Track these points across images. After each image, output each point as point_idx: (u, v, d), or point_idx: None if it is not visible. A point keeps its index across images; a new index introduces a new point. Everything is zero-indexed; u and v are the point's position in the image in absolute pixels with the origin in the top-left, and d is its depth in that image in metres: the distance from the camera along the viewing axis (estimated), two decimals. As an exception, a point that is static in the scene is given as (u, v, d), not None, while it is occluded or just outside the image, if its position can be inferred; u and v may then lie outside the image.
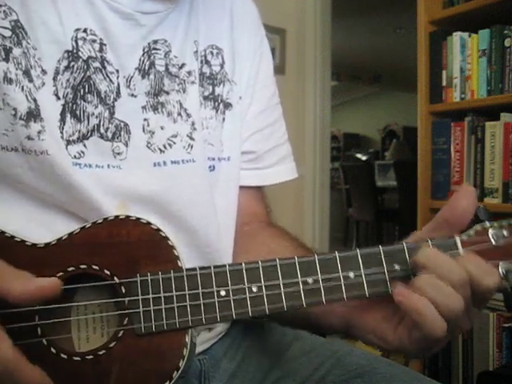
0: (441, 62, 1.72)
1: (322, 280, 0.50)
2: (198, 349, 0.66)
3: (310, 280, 0.50)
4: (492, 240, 0.51)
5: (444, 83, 1.71)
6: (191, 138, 0.64)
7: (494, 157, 1.58)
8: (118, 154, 0.60)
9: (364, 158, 7.42)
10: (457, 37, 1.67)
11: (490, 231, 0.52)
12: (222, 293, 0.50)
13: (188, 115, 0.64)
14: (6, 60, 0.55)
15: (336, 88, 6.53)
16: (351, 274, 0.51)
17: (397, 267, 0.51)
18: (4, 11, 0.55)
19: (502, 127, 1.56)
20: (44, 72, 0.57)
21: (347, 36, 5.42)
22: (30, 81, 0.56)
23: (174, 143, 0.63)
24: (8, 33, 0.55)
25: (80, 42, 0.58)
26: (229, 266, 0.51)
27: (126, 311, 0.49)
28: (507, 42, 1.56)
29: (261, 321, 0.78)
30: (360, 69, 7.28)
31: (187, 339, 0.49)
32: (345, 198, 5.61)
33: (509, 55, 1.56)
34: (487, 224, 0.52)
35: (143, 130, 0.61)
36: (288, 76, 2.49)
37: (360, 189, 5.10)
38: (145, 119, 0.62)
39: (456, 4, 1.70)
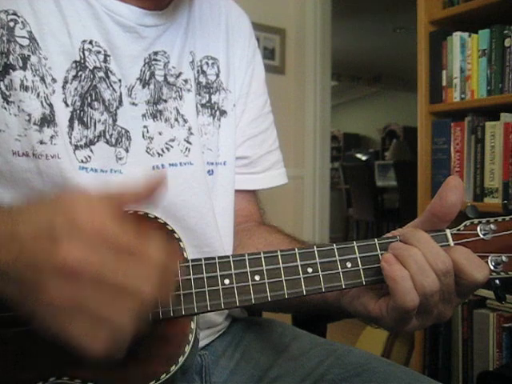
0: (441, 62, 1.72)
1: (321, 269, 0.53)
2: (200, 344, 0.67)
3: (309, 269, 0.53)
4: (480, 234, 0.55)
5: (444, 83, 1.71)
6: (188, 142, 0.67)
7: (494, 157, 1.58)
8: (120, 158, 0.63)
9: (364, 158, 7.42)
10: (457, 37, 1.67)
11: (479, 226, 0.55)
12: (226, 281, 0.51)
13: (185, 120, 0.68)
14: (24, 68, 0.58)
15: (336, 88, 6.53)
16: (349, 264, 0.53)
17: None
18: (22, 22, 0.58)
19: (502, 127, 1.56)
20: (54, 80, 0.59)
21: (347, 36, 5.42)
22: (47, 87, 0.59)
23: (172, 147, 0.66)
24: (26, 41, 0.58)
25: (86, 53, 0.61)
26: (232, 256, 0.53)
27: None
28: (507, 42, 1.56)
29: (260, 318, 0.78)
30: (360, 69, 7.28)
31: (193, 326, 0.51)
32: (345, 198, 5.61)
33: (509, 55, 1.56)
34: (476, 220, 0.55)
35: (143, 137, 0.64)
36: (288, 76, 2.49)
37: (360, 189, 5.10)
38: (144, 126, 0.65)
39: (456, 4, 1.69)
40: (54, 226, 0.40)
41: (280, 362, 0.67)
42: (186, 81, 0.69)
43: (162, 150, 0.65)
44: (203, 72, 0.72)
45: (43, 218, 0.41)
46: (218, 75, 0.73)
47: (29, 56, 0.58)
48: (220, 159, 0.72)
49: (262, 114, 0.81)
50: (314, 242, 0.74)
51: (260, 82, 0.82)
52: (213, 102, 0.72)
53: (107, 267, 0.39)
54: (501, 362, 1.51)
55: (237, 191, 0.77)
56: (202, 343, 0.68)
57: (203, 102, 0.71)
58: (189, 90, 0.69)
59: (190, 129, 0.68)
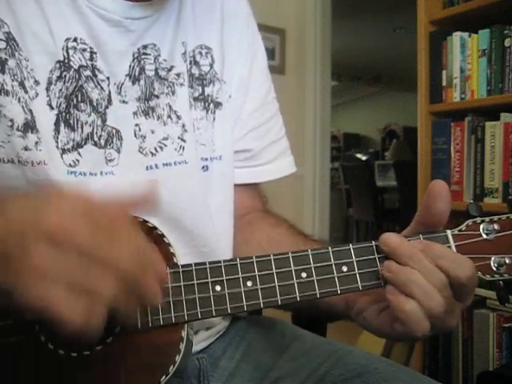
0: (441, 62, 1.72)
1: (316, 273, 0.51)
2: (197, 347, 0.67)
3: (303, 274, 0.51)
4: (483, 234, 0.53)
5: (444, 83, 1.71)
6: (182, 140, 0.65)
7: (494, 157, 1.58)
8: (110, 160, 0.60)
9: (364, 157, 7.41)
10: (457, 37, 1.67)
11: (481, 226, 0.53)
12: (217, 287, 0.50)
13: (178, 117, 0.65)
14: (2, 72, 0.55)
15: (336, 88, 6.53)
16: (344, 268, 0.51)
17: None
18: None
19: (502, 127, 1.56)
20: (37, 83, 0.57)
21: (347, 36, 5.42)
22: (26, 92, 0.56)
23: (165, 146, 0.64)
24: (3, 44, 0.56)
25: (71, 52, 0.59)
26: (224, 261, 0.51)
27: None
28: (507, 42, 1.56)
29: (260, 318, 0.78)
30: (360, 69, 7.27)
31: (183, 334, 0.50)
32: (345, 197, 5.61)
33: (509, 55, 1.56)
34: (478, 219, 0.53)
35: (135, 135, 0.62)
36: (288, 76, 2.49)
37: (360, 189, 5.10)
38: (136, 124, 0.62)
39: (456, 4, 1.69)
40: (42, 200, 0.40)
41: (281, 363, 0.67)
42: (178, 75, 0.66)
43: (156, 150, 0.63)
44: (196, 63, 0.68)
45: (31, 197, 0.41)
46: (211, 65, 0.70)
47: (6, 60, 0.56)
48: (215, 154, 0.69)
49: (266, 102, 0.77)
50: (318, 237, 0.72)
51: (262, 69, 0.78)
52: (206, 94, 0.69)
53: (93, 238, 0.39)
54: (501, 362, 1.51)
55: (239, 185, 0.74)
56: (199, 346, 0.68)
57: (196, 94, 0.68)
58: (181, 85, 0.66)
59: (183, 126, 0.65)
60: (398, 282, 0.49)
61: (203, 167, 0.68)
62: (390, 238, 0.51)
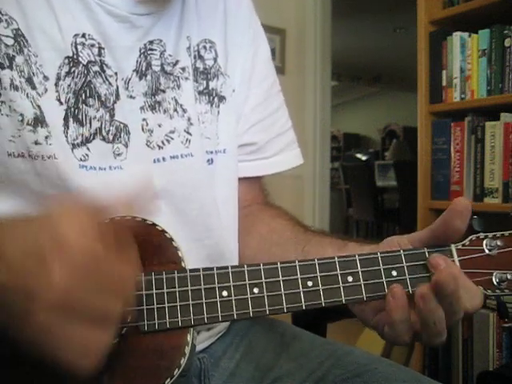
0: (441, 62, 1.72)
1: (322, 283, 0.52)
2: (198, 347, 0.67)
3: (309, 283, 0.52)
4: (486, 250, 0.53)
5: (444, 83, 1.71)
6: (188, 133, 0.65)
7: (494, 157, 1.58)
8: (119, 154, 0.61)
9: (364, 158, 7.41)
10: (457, 37, 1.67)
11: (485, 241, 0.53)
12: (224, 293, 0.50)
13: (184, 110, 0.66)
14: (11, 68, 0.56)
15: (336, 88, 6.53)
16: (350, 278, 0.52)
17: (394, 273, 0.53)
18: (6, 20, 0.56)
19: (502, 127, 1.56)
20: (46, 78, 0.57)
21: (347, 36, 5.42)
22: (33, 88, 0.57)
23: (172, 139, 0.64)
24: (10, 41, 0.56)
25: (79, 48, 0.59)
26: (231, 267, 0.52)
27: (130, 308, 0.49)
28: (507, 42, 1.56)
29: (261, 318, 0.78)
30: (360, 69, 7.28)
31: (189, 338, 0.50)
32: (345, 197, 5.62)
33: (509, 55, 1.56)
34: (482, 234, 0.54)
35: (142, 130, 0.63)
36: (288, 76, 2.49)
37: (360, 189, 5.10)
38: (143, 119, 0.63)
39: (456, 4, 1.69)
40: (41, 245, 0.40)
41: (281, 363, 0.67)
42: (183, 69, 0.66)
43: (163, 143, 0.64)
44: (200, 57, 0.69)
45: (30, 236, 0.41)
46: (215, 60, 0.71)
47: (14, 56, 0.56)
48: (220, 147, 0.70)
49: (270, 95, 0.78)
50: (316, 228, 0.73)
51: (265, 62, 0.78)
52: (210, 88, 0.70)
53: (92, 296, 0.41)
54: (501, 362, 1.51)
55: (243, 178, 0.75)
56: (201, 346, 0.68)
57: (200, 88, 0.69)
58: (186, 78, 0.67)
59: (189, 119, 0.66)
60: (423, 311, 0.50)
61: (208, 160, 0.68)
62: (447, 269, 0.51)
